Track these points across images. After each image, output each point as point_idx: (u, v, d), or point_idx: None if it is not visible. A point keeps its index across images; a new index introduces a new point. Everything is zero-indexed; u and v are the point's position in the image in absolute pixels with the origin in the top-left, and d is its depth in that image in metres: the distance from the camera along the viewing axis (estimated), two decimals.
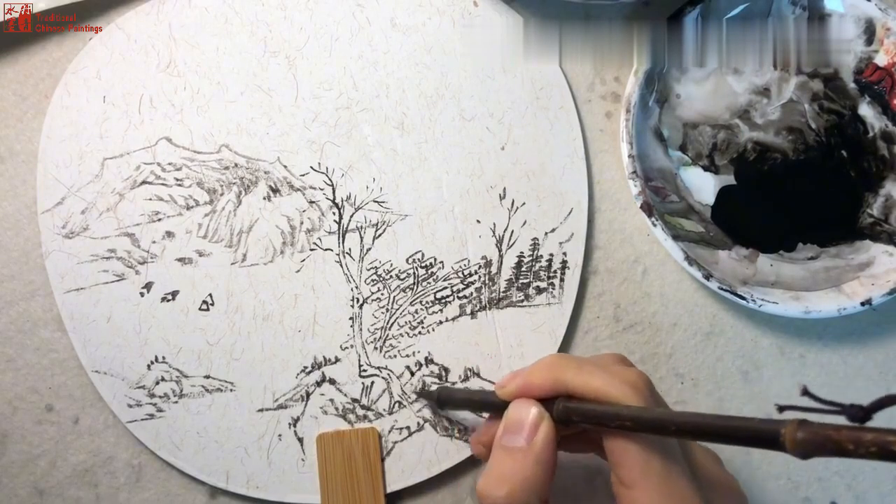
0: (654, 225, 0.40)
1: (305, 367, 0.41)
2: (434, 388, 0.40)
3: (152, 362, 0.40)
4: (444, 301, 0.41)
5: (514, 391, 0.32)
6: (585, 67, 0.44)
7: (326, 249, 0.41)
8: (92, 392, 0.40)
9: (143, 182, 0.41)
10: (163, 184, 0.41)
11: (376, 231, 0.42)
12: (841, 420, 0.21)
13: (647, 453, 0.28)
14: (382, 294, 0.41)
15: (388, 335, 0.41)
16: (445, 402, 0.39)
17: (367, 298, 0.41)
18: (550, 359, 0.33)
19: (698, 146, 0.44)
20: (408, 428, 0.40)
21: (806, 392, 0.23)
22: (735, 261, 0.42)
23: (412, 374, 0.41)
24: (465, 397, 0.38)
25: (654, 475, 0.28)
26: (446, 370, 0.41)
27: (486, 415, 0.38)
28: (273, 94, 0.42)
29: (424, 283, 0.42)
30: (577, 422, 0.30)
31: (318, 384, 0.41)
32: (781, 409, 0.23)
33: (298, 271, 0.41)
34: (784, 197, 0.43)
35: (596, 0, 0.43)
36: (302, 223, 0.41)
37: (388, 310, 0.41)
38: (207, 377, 0.40)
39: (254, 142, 0.42)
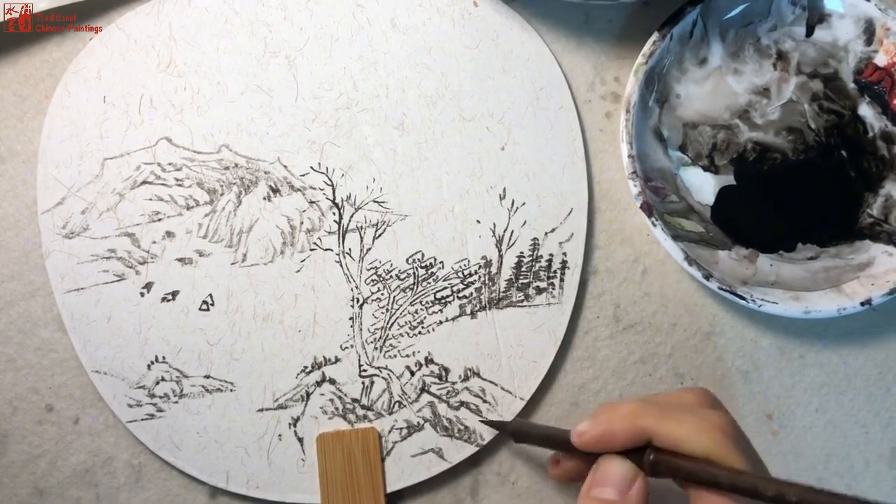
0: (654, 225, 0.40)
1: (305, 367, 0.41)
2: (492, 417, 0.40)
3: (152, 362, 0.40)
4: (444, 301, 0.41)
5: (593, 443, 0.31)
6: (585, 67, 0.44)
7: (326, 249, 0.41)
8: (92, 392, 0.40)
9: (144, 182, 0.41)
10: (163, 184, 0.41)
11: (376, 231, 0.42)
12: None
13: None
14: (382, 294, 0.41)
15: (388, 335, 0.41)
16: (520, 437, 0.38)
17: (367, 298, 0.41)
18: (631, 406, 0.31)
19: (698, 146, 0.44)
20: (408, 428, 0.40)
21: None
22: (735, 261, 0.42)
23: (412, 374, 0.41)
24: (541, 435, 0.37)
25: None
26: (446, 370, 0.41)
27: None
28: (273, 95, 0.42)
29: (424, 283, 0.42)
30: (665, 474, 0.30)
31: (318, 384, 0.41)
32: None
33: (298, 271, 0.41)
34: (784, 197, 0.43)
35: (596, 0, 0.43)
36: (302, 223, 0.41)
37: (388, 310, 0.41)
38: (207, 377, 0.40)
39: (254, 142, 0.42)
